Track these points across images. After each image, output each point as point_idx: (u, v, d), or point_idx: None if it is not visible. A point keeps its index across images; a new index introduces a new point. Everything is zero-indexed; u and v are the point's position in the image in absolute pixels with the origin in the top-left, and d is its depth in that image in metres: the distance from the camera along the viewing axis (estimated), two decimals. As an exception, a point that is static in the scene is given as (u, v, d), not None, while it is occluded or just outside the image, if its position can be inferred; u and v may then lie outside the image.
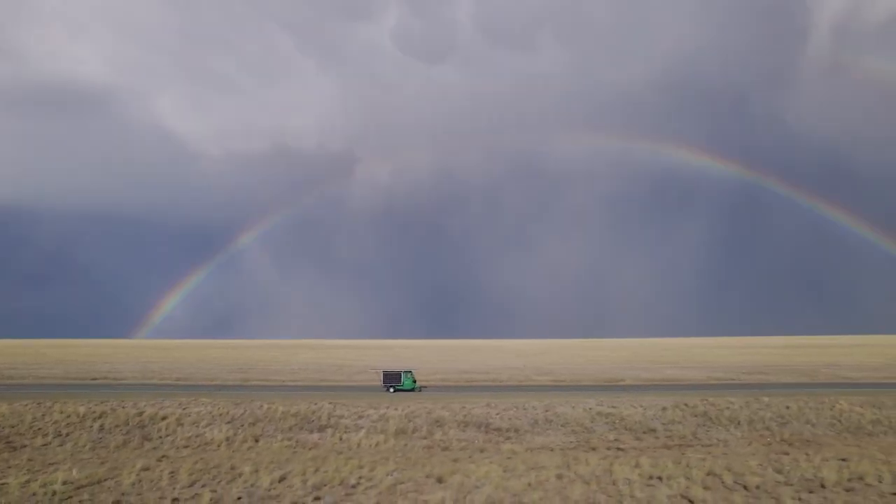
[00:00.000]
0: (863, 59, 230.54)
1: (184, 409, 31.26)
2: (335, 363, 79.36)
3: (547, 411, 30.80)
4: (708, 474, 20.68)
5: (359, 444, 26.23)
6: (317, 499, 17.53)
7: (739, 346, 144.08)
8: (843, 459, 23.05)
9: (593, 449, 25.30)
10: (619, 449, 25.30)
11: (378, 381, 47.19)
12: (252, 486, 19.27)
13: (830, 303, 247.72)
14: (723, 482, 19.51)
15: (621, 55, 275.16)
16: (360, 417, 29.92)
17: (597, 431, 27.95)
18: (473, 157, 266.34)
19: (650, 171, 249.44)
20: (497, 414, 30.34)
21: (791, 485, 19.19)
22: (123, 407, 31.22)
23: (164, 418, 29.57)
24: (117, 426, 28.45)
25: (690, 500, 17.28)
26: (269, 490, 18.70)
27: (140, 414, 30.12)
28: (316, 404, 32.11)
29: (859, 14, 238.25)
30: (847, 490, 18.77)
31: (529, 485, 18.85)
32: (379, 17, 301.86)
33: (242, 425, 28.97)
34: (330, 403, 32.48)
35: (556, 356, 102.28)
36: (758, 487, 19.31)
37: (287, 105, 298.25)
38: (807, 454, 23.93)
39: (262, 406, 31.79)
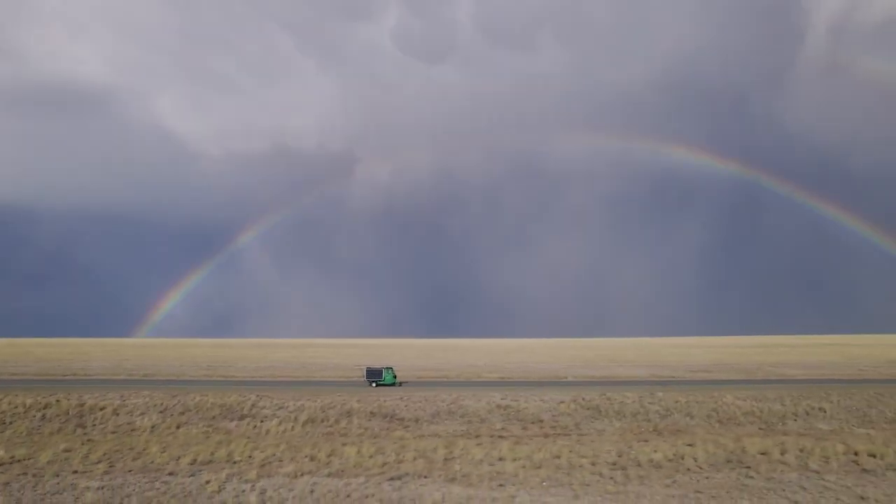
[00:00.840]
0: (860, 60, 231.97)
1: (123, 400, 34.62)
2: (307, 361, 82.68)
3: (452, 404, 33.99)
4: (556, 457, 23.85)
5: (268, 431, 29.53)
6: (194, 474, 20.80)
7: (722, 346, 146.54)
8: (690, 445, 26.13)
9: (477, 437, 28.48)
10: (500, 437, 28.47)
11: (361, 377, 50.23)
12: (150, 462, 22.60)
13: (831, 302, 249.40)
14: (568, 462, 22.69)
15: (621, 55, 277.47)
16: (280, 408, 33.20)
17: (489, 421, 31.13)
18: (473, 157, 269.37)
19: (650, 170, 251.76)
20: (405, 406, 33.55)
21: (618, 465, 22.33)
22: (68, 399, 34.59)
23: (102, 409, 32.94)
24: (58, 415, 31.84)
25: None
26: (161, 465, 22.00)
27: (81, 405, 33.48)
28: (244, 396, 35.42)
29: (856, 15, 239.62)
30: (657, 467, 21.90)
31: (385, 463, 22.08)
32: (379, 17, 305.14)
33: (172, 414, 32.31)
34: (257, 396, 35.77)
35: (529, 355, 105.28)
36: (593, 464, 22.52)
37: (287, 105, 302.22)
38: (663, 441, 27.03)
39: (195, 398, 35.12)
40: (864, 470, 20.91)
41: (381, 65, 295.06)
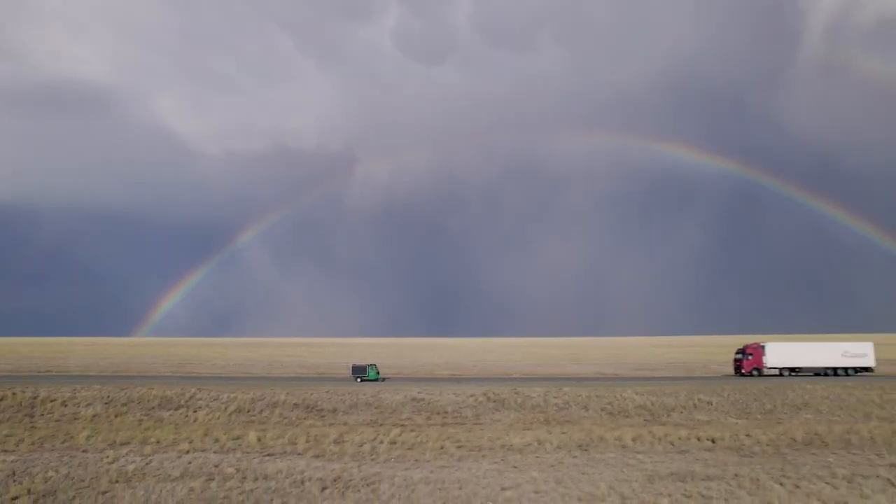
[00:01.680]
0: (856, 60, 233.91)
1: (74, 393, 38.30)
2: (275, 360, 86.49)
3: (373, 397, 37.53)
4: (436, 441, 27.29)
5: (196, 420, 33.11)
6: (103, 450, 24.37)
7: (706, 345, 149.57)
8: (564, 433, 29.53)
9: (380, 425, 31.96)
10: (400, 425, 31.93)
11: (348, 373, 54.64)
12: (75, 443, 26.19)
13: (830, 302, 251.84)
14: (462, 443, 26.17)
15: (620, 55, 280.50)
16: (214, 400, 36.83)
17: (398, 412, 34.66)
18: (473, 157, 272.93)
19: (649, 170, 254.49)
20: (329, 398, 37.12)
21: (483, 447, 25.78)
22: (24, 392, 38.28)
23: (52, 400, 36.62)
24: (11, 406, 35.53)
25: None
26: (82, 445, 25.60)
27: (35, 397, 37.18)
28: (185, 390, 39.07)
29: (852, 16, 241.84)
30: (514, 449, 25.31)
31: (277, 444, 25.62)
32: (379, 17, 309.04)
33: (115, 405, 35.97)
34: (197, 389, 39.44)
35: (504, 353, 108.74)
36: (459, 447, 25.94)
37: (287, 105, 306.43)
38: (545, 429, 30.41)
39: (140, 391, 38.78)
40: (680, 451, 24.28)
41: (380, 65, 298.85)
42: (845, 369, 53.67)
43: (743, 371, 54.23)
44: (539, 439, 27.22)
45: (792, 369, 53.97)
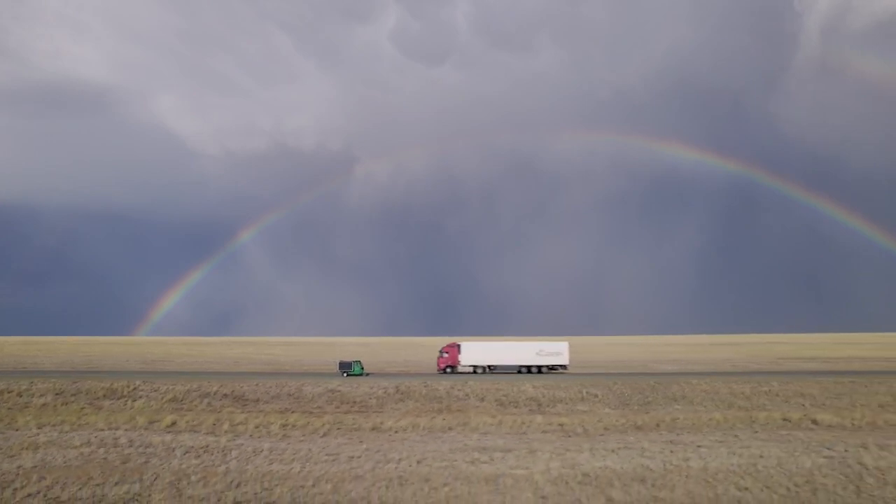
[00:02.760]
0: (852, 62, 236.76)
1: (31, 385, 43.36)
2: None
3: (297, 389, 42.39)
4: (325, 425, 32.08)
5: (132, 407, 38.07)
6: (30, 429, 29.33)
7: (689, 344, 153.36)
8: (444, 419, 34.21)
9: (291, 412, 36.78)
10: (308, 413, 36.76)
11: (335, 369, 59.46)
12: (13, 426, 31.17)
13: (829, 301, 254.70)
14: (344, 426, 30.94)
15: (618, 56, 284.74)
16: (154, 391, 41.80)
17: (314, 402, 39.50)
18: (472, 157, 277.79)
19: (647, 170, 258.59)
20: (256, 390, 42.00)
21: (356, 427, 30.55)
22: (-13, 383, 43.43)
23: (10, 391, 41.70)
24: (-28, 396, 40.63)
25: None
26: (17, 426, 30.58)
27: (-5, 388, 42.30)
28: (130, 382, 44.07)
29: (848, 18, 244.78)
30: (388, 431, 30.02)
31: (182, 423, 30.51)
32: (378, 18, 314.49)
33: (64, 395, 40.99)
34: (142, 381, 44.44)
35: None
36: (339, 428, 30.70)
37: (286, 105, 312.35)
38: (430, 417, 35.11)
39: (90, 383, 43.82)
40: (520, 433, 28.98)
41: (380, 65, 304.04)
42: (539, 367, 57.36)
43: (439, 368, 58.11)
44: (415, 424, 31.96)
45: (486, 367, 57.49)
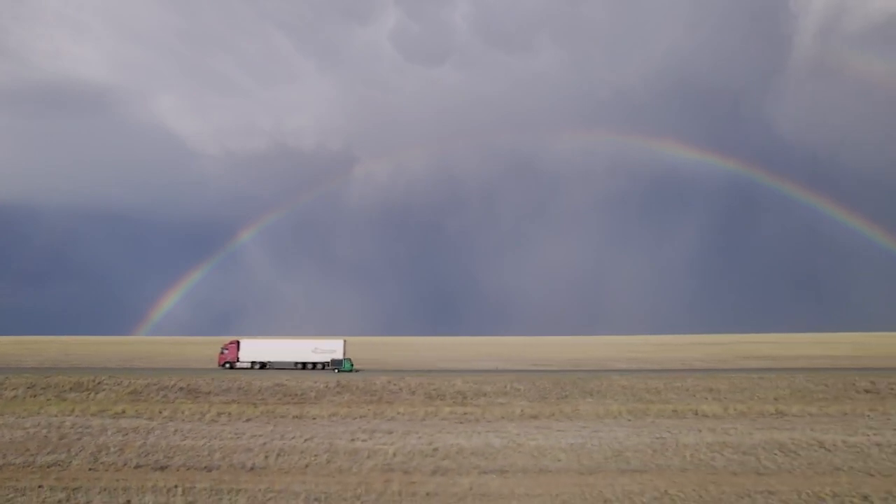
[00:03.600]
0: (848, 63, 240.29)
1: (6, 378, 47.86)
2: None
3: (247, 384, 46.73)
4: (261, 413, 36.39)
5: (93, 399, 42.43)
6: (-3, 415, 33.75)
7: (672, 343, 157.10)
8: (370, 410, 38.45)
9: (236, 403, 41.08)
10: (251, 403, 41.07)
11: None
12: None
13: (829, 300, 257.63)
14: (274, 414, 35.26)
15: (617, 57, 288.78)
16: (117, 385, 46.19)
17: (260, 394, 43.83)
18: (471, 157, 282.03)
19: (647, 169, 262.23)
20: (210, 384, 46.37)
21: (292, 416, 34.84)
22: (-35, 377, 47.97)
23: (-15, 384, 46.22)
24: (-49, 388, 45.15)
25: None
26: (-16, 413, 34.98)
27: (-28, 381, 46.82)
28: (96, 377, 48.54)
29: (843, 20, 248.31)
30: (310, 418, 34.27)
31: (129, 411, 34.87)
32: (378, 19, 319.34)
33: (34, 389, 45.44)
34: (108, 376, 48.91)
35: (462, 350, 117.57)
36: (283, 417, 34.97)
37: (286, 105, 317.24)
38: (355, 406, 39.38)
39: (60, 378, 48.30)
40: (423, 419, 33.22)
41: (379, 66, 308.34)
42: (314, 364, 62.41)
43: (219, 364, 63.42)
44: (337, 412, 36.26)
45: (264, 363, 62.70)
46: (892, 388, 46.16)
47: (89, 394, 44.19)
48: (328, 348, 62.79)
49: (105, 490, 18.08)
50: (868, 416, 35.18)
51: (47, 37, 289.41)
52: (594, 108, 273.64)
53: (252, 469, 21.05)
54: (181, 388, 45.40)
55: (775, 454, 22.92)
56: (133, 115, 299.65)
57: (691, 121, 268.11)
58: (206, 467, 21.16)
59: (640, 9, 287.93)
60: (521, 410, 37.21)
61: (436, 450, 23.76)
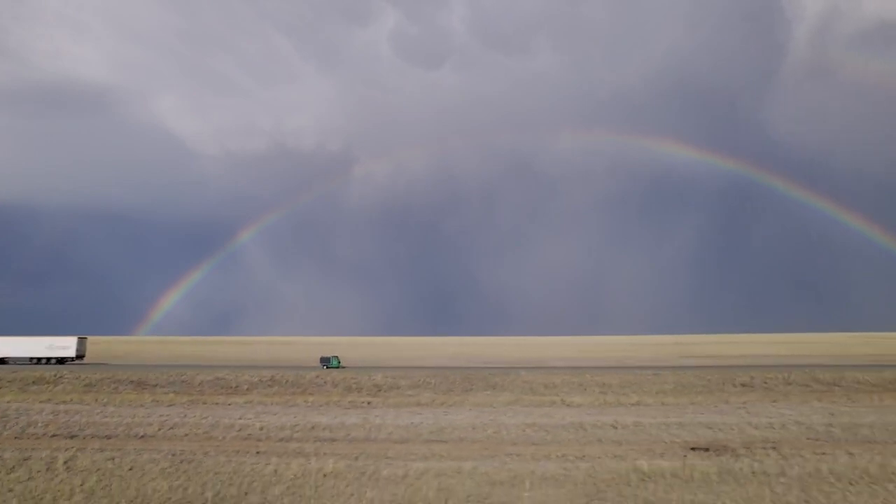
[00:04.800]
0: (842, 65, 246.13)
1: (-22, 373, 54.03)
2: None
3: (191, 378, 52.78)
4: (188, 401, 42.42)
5: (51, 391, 48.53)
6: (-40, 402, 39.84)
7: (655, 343, 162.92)
8: (287, 400, 44.45)
9: (176, 394, 47.12)
10: (187, 394, 47.10)
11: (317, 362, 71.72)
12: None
13: (828, 300, 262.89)
14: (199, 402, 41.25)
15: (615, 58, 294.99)
16: (76, 379, 52.33)
17: (200, 387, 49.87)
18: (470, 158, 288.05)
19: (646, 170, 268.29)
20: (158, 378, 52.45)
21: (215, 403, 40.86)
22: (-58, 372, 54.13)
23: (-41, 378, 52.37)
24: (-72, 381, 51.31)
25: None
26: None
27: (-52, 375, 52.99)
28: (57, 372, 54.68)
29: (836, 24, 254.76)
30: (226, 405, 40.26)
31: (75, 399, 40.94)
32: (377, 21, 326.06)
33: (0, 382, 51.59)
34: (68, 371, 55.02)
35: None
36: (205, 403, 40.99)
37: (286, 105, 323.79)
38: (282, 397, 45.38)
39: (24, 373, 54.43)
40: (318, 407, 39.27)
41: (378, 67, 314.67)
42: (48, 359, 73.67)
43: None
44: (256, 401, 42.33)
45: (3, 359, 73.27)
46: (765, 383, 52.12)
47: (49, 386, 50.29)
48: (62, 345, 73.58)
49: (18, 450, 24.10)
50: (716, 406, 41.14)
51: (47, 37, 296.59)
52: (593, 109, 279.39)
53: (142, 437, 27.10)
54: (131, 382, 51.52)
55: (565, 431, 28.91)
56: (133, 116, 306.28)
57: (690, 121, 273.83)
58: (106, 436, 27.20)
59: (639, 10, 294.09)
60: (421, 400, 43.17)
61: (295, 425, 29.80)
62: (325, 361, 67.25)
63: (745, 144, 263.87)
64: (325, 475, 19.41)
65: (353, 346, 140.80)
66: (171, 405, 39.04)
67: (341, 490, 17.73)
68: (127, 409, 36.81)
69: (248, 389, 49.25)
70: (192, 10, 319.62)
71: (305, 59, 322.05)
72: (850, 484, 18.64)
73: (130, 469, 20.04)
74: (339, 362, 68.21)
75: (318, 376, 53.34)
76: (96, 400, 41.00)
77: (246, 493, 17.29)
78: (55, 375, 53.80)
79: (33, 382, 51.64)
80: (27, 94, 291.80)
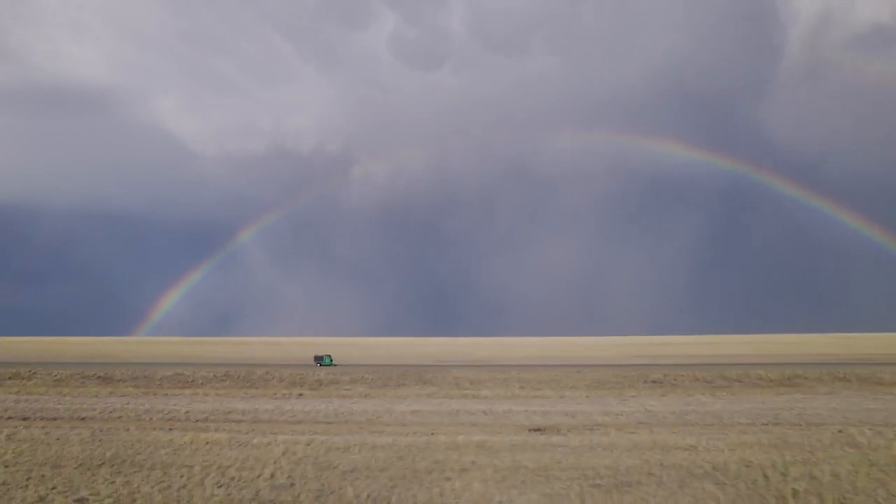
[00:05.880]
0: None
1: (-39, 369, 59.87)
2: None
3: (153, 374, 58.57)
4: (144, 392, 48.17)
5: (25, 384, 54.32)
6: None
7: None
8: (237, 393, 50.17)
9: (136, 387, 52.91)
10: (144, 387, 52.86)
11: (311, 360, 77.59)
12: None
13: (827, 301, 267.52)
14: (153, 393, 47.01)
15: (612, 60, 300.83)
16: (47, 375, 58.11)
17: (160, 381, 55.64)
18: (469, 159, 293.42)
19: (645, 170, 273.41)
20: (124, 374, 58.23)
21: (165, 394, 46.63)
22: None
23: (-56, 373, 58.21)
24: (-85, 375, 57.19)
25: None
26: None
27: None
28: (33, 369, 60.52)
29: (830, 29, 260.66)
30: (176, 395, 46.00)
31: (40, 392, 46.75)
32: (376, 23, 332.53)
33: (-18, 377, 57.42)
34: (42, 368, 60.86)
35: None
36: (146, 394, 46.74)
37: (286, 106, 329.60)
38: (229, 390, 51.11)
39: (2, 370, 60.30)
40: (232, 398, 45.05)
41: (377, 69, 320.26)
42: None
43: None
44: (199, 392, 48.09)
45: None
46: (674, 380, 57.71)
47: (23, 381, 56.08)
48: None
49: (-23, 428, 29.84)
50: (606, 398, 46.76)
51: (47, 37, 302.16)
52: (592, 109, 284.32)
53: (83, 419, 32.86)
54: (98, 377, 57.32)
55: (438, 416, 34.61)
56: (133, 116, 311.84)
57: (689, 122, 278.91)
58: (52, 418, 32.97)
59: (636, 12, 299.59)
60: (351, 393, 48.93)
61: (215, 410, 35.56)
62: (319, 359, 72.80)
63: (743, 145, 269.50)
64: (207, 443, 25.15)
65: (353, 347, 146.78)
66: (123, 396, 44.82)
67: (212, 451, 23.46)
68: (83, 398, 42.57)
69: (202, 384, 55.01)
70: (192, 11, 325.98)
71: (305, 60, 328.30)
72: (606, 450, 24.34)
73: (57, 439, 25.81)
74: (332, 360, 73.99)
75: (267, 372, 59.11)
76: (60, 392, 46.80)
77: (138, 454, 23.02)
78: (30, 371, 59.61)
79: (9, 378, 57.42)
80: (27, 94, 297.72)
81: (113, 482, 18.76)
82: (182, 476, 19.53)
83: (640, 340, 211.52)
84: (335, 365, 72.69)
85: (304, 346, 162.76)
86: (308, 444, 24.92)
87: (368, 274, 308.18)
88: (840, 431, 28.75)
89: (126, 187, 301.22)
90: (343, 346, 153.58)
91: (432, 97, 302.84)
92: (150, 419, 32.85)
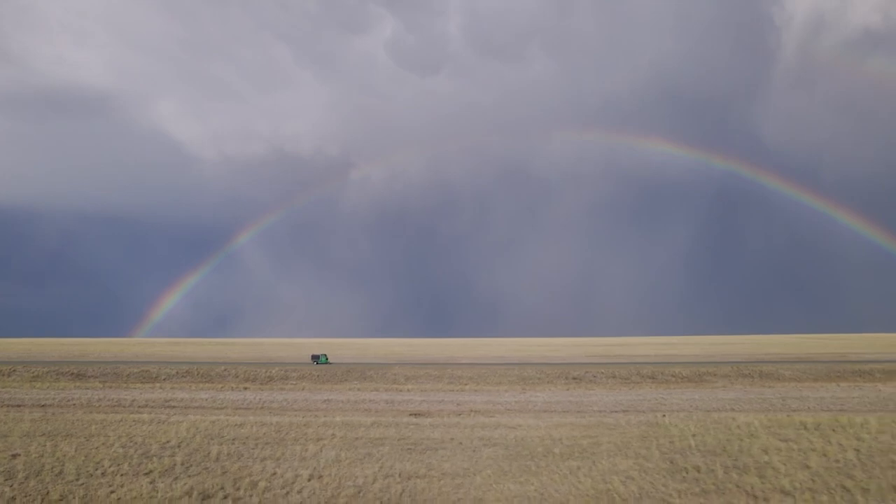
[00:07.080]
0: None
1: (-52, 366, 66.11)
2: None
3: (121, 371, 64.78)
4: (110, 386, 54.38)
5: (5, 381, 60.53)
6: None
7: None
8: (208, 388, 56.36)
9: (104, 383, 59.11)
10: (111, 381, 59.11)
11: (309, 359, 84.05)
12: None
13: (823, 301, 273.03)
14: (119, 387, 53.27)
15: (606, 66, 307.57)
16: (27, 371, 64.35)
17: (128, 378, 61.89)
18: (465, 163, 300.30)
19: (637, 174, 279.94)
20: (96, 371, 64.47)
21: (126, 387, 52.87)
22: (-81, 365, 66.24)
23: (-67, 370, 64.48)
24: None
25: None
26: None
27: (-77, 368, 65.09)
28: (13, 367, 66.76)
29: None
30: (136, 388, 52.24)
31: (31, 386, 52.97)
32: (374, 30, 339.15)
33: (-33, 373, 63.65)
34: (22, 366, 67.13)
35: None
36: (113, 387, 52.98)
37: (284, 112, 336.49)
38: (187, 385, 57.29)
39: (-12, 366, 66.56)
40: (187, 391, 51.26)
41: (376, 75, 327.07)
42: None
43: None
44: (156, 386, 54.29)
45: None
46: (594, 377, 63.90)
47: (2, 377, 62.36)
48: None
49: (-48, 412, 36.05)
50: (511, 391, 52.93)
51: (50, 43, 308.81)
52: (585, 115, 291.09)
53: (42, 406, 39.11)
54: (72, 374, 63.56)
55: (345, 403, 40.81)
56: (134, 120, 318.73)
57: (680, 126, 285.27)
58: (16, 405, 39.23)
59: (630, 18, 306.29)
60: (297, 386, 55.15)
61: (157, 399, 41.80)
62: (316, 358, 78.68)
63: (736, 146, 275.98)
64: (133, 422, 31.40)
65: (352, 346, 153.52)
66: (88, 389, 51.08)
67: (133, 427, 29.69)
68: (51, 391, 48.83)
69: (164, 379, 61.25)
70: (192, 18, 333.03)
71: (303, 66, 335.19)
72: (448, 427, 30.55)
73: (13, 419, 32.06)
74: (327, 359, 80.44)
75: (225, 370, 65.36)
76: (33, 386, 53.05)
77: (73, 428, 29.25)
78: (10, 369, 65.87)
79: (-8, 374, 63.67)
80: (30, 98, 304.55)
81: (44, 445, 24.99)
82: (99, 442, 25.77)
83: (614, 341, 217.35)
84: (330, 363, 79.05)
85: (298, 347, 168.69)
86: (213, 423, 31.16)
87: (365, 276, 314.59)
88: (664, 416, 34.98)
89: (126, 190, 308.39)
90: (343, 347, 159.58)
91: (429, 102, 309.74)
92: (99, 406, 39.10)
